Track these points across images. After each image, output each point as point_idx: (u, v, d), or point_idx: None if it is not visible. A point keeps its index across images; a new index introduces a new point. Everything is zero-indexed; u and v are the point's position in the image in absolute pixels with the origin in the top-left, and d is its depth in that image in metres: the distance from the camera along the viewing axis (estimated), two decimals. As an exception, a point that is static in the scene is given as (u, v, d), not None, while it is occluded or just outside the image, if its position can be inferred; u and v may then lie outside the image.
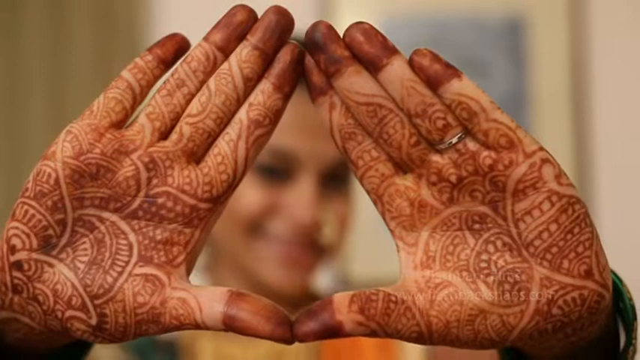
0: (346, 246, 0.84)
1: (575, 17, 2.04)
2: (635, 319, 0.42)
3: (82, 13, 1.87)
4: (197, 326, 0.38)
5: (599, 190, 1.90)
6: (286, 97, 0.39)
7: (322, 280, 0.84)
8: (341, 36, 0.38)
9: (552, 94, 2.02)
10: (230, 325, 0.36)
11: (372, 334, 0.37)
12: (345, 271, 1.90)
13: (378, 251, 1.89)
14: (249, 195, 0.73)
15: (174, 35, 0.40)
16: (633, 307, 0.42)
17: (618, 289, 0.42)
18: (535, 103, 2.01)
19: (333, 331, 0.36)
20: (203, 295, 0.37)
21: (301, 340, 0.36)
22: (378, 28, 0.38)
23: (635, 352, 0.42)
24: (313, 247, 0.76)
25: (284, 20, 0.39)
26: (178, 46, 0.40)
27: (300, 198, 0.73)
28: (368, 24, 0.38)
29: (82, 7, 1.86)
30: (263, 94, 0.39)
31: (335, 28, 0.38)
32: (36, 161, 0.39)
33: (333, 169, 0.75)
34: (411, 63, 0.37)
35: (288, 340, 0.36)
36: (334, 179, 0.76)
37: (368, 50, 0.37)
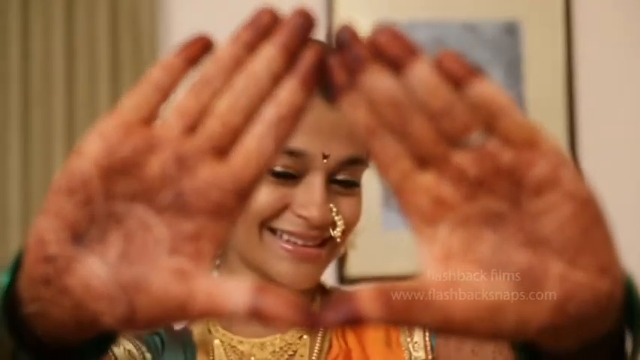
0: (354, 243, 0.85)
1: (569, 23, 2.06)
2: None
3: (96, 14, 1.89)
4: (225, 316, 0.39)
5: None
6: (310, 95, 0.40)
7: (324, 278, 0.85)
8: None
9: (545, 99, 2.04)
10: (257, 315, 0.37)
11: (394, 325, 0.38)
12: (345, 270, 1.91)
13: (377, 251, 1.90)
14: (262, 194, 0.74)
15: (201, 36, 0.41)
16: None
17: (629, 289, 0.43)
18: (528, 108, 2.03)
19: (357, 321, 0.37)
20: (229, 286, 0.38)
21: (325, 328, 0.37)
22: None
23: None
24: (322, 244, 0.77)
25: (308, 22, 0.40)
26: (205, 47, 0.41)
27: (310, 197, 0.74)
28: (393, 27, 0.39)
29: (96, 8, 1.89)
30: (288, 91, 0.40)
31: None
32: (53, 159, 0.40)
33: (341, 168, 0.76)
34: (435, 63, 0.39)
35: (312, 327, 0.38)
36: (343, 178, 0.77)
37: (393, 50, 0.38)
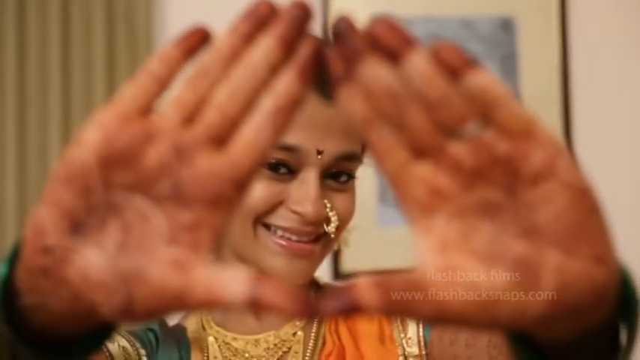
0: (347, 240, 0.85)
1: (564, 19, 2.06)
2: (636, 309, 0.43)
3: (92, 10, 1.90)
4: (223, 306, 0.39)
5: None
6: (307, 86, 0.40)
7: (319, 273, 0.85)
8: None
9: (540, 95, 2.04)
10: (255, 305, 0.38)
11: (391, 315, 0.39)
12: (340, 266, 1.91)
13: (372, 248, 1.91)
14: (256, 189, 0.74)
15: (199, 28, 0.41)
16: (637, 297, 0.43)
17: (625, 280, 0.43)
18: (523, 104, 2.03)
19: (355, 310, 0.37)
20: (227, 276, 0.39)
21: (324, 316, 0.38)
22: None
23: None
24: (316, 240, 0.77)
25: (305, 14, 0.40)
26: (202, 38, 0.41)
27: (304, 193, 0.75)
28: (390, 18, 0.39)
29: (92, 4, 1.89)
30: (285, 82, 0.40)
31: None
32: (49, 156, 0.40)
33: (336, 164, 0.76)
34: (431, 54, 0.39)
35: (311, 316, 0.38)
36: (337, 174, 0.77)
37: (390, 41, 0.39)
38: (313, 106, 0.73)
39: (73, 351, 0.45)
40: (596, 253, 0.39)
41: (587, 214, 0.39)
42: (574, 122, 2.06)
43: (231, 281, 0.38)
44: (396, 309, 0.38)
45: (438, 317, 0.39)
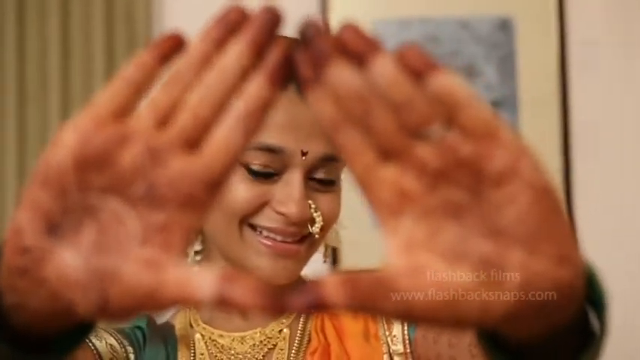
0: (333, 239, 0.86)
1: (562, 19, 2.07)
2: (605, 307, 0.44)
3: (92, 13, 1.91)
4: (194, 304, 0.40)
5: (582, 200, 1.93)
6: (278, 89, 0.41)
7: (309, 273, 0.86)
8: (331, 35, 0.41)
9: (539, 95, 2.04)
10: (225, 302, 0.38)
11: (358, 312, 0.39)
12: (338, 266, 1.92)
13: (370, 247, 1.91)
14: (241, 190, 0.75)
15: (173, 34, 0.42)
16: (604, 296, 0.44)
17: (591, 278, 0.43)
18: (521, 104, 2.03)
19: (321, 307, 0.38)
20: (199, 275, 0.39)
21: (291, 312, 0.38)
22: (370, 28, 0.40)
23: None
24: (301, 241, 0.78)
25: (275, 18, 0.41)
26: (177, 44, 0.42)
27: (289, 194, 0.76)
28: (356, 24, 0.40)
29: (92, 8, 1.91)
30: (256, 85, 0.41)
31: (327, 26, 0.41)
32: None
33: (320, 165, 0.77)
34: (396, 57, 0.40)
35: (279, 311, 0.38)
36: (321, 175, 0.78)
37: (356, 46, 0.40)
38: (297, 108, 0.74)
39: (53, 350, 0.46)
40: (560, 253, 0.40)
41: (550, 214, 0.40)
42: (572, 123, 2.06)
43: (202, 279, 0.39)
44: (362, 307, 0.39)
45: (405, 316, 0.40)
